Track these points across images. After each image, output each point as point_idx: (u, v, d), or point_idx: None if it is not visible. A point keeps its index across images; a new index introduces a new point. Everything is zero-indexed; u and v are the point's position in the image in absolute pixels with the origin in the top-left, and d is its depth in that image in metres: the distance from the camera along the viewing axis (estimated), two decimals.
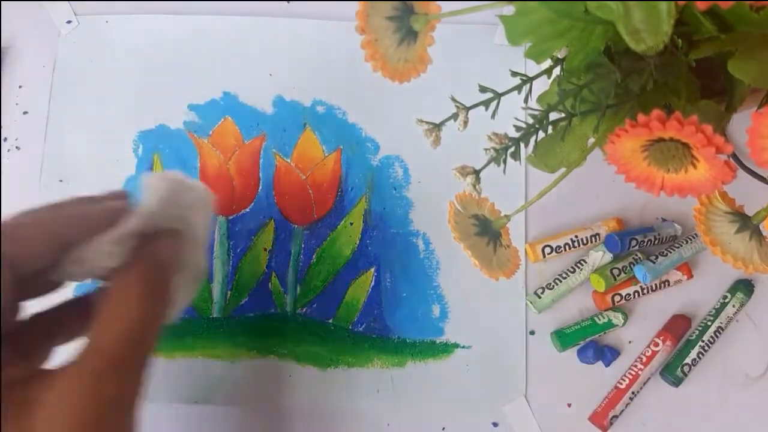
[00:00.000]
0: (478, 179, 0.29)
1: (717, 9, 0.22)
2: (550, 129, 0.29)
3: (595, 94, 0.28)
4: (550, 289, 0.42)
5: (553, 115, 0.29)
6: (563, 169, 0.33)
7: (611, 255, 0.42)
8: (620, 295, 0.42)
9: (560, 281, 0.42)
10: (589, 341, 0.42)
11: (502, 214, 0.31)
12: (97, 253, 0.28)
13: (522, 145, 0.29)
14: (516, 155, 0.28)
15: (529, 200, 0.31)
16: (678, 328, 0.43)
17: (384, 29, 0.26)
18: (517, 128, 0.28)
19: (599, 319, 0.42)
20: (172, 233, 0.31)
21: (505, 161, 0.28)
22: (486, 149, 0.28)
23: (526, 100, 0.29)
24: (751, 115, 0.23)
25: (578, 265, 0.43)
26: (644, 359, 0.42)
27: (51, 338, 0.31)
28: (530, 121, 0.29)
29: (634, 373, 0.41)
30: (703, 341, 0.42)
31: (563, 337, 0.42)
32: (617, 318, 0.42)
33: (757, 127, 0.23)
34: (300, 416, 0.42)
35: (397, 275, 0.44)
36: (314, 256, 0.44)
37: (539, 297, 0.42)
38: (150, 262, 0.29)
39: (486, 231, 0.30)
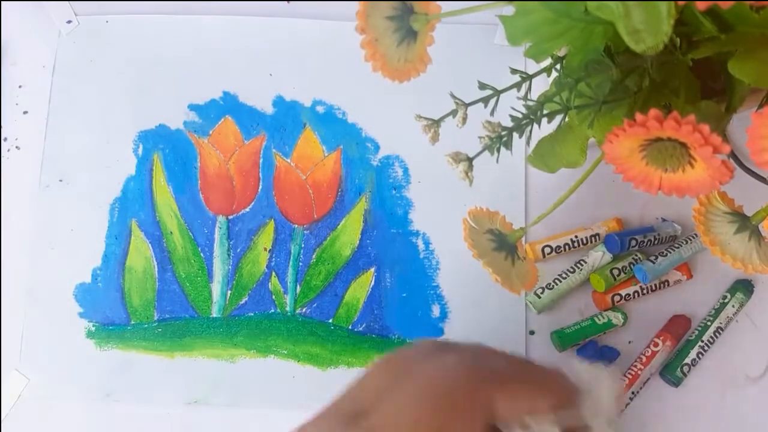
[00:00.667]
0: (470, 166, 0.29)
1: (717, 9, 0.22)
2: (544, 121, 0.29)
3: (592, 89, 0.28)
4: (550, 289, 0.42)
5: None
6: (568, 172, 0.33)
7: (611, 255, 0.42)
8: (620, 295, 0.42)
9: (560, 281, 0.42)
10: (589, 341, 0.42)
11: (515, 227, 0.31)
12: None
13: (519, 139, 0.29)
14: (509, 145, 0.28)
15: (547, 210, 0.31)
16: (678, 328, 0.43)
17: (384, 29, 0.26)
18: (513, 118, 0.28)
19: (599, 319, 0.42)
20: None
21: (498, 150, 0.28)
22: (480, 137, 0.28)
23: (525, 97, 0.29)
24: (751, 115, 0.23)
25: (578, 265, 0.43)
26: (644, 359, 0.42)
27: None
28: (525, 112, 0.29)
29: (633, 373, 0.41)
30: (702, 341, 0.42)
31: (563, 337, 0.42)
32: (617, 318, 0.42)
33: (757, 127, 0.23)
34: (300, 416, 0.42)
35: (397, 275, 0.44)
36: (314, 256, 0.44)
37: (539, 297, 0.42)
38: None
39: (502, 245, 0.30)
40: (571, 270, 0.43)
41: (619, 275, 0.42)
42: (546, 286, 0.42)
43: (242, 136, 0.45)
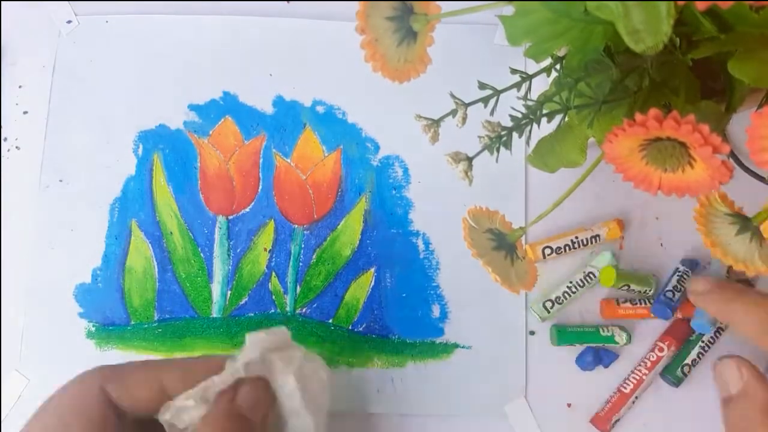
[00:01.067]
0: (470, 166, 0.29)
1: (717, 9, 0.22)
2: (544, 121, 0.29)
3: (592, 89, 0.28)
4: (560, 303, 0.42)
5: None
6: (568, 172, 0.33)
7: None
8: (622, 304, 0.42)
9: (570, 295, 0.42)
10: (586, 348, 0.42)
11: (515, 227, 0.31)
12: (180, 408, 0.30)
13: (519, 139, 0.29)
14: (508, 144, 0.28)
15: (547, 209, 0.31)
16: (681, 332, 0.42)
17: (384, 29, 0.26)
18: (512, 118, 0.28)
19: (603, 332, 0.42)
20: (255, 380, 0.31)
21: (498, 150, 0.28)
22: (480, 137, 0.28)
23: (525, 97, 0.29)
24: (750, 115, 0.23)
25: (587, 279, 0.42)
26: (649, 364, 0.41)
27: None
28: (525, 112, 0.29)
29: (638, 377, 0.41)
30: (703, 341, 0.42)
31: (562, 334, 0.42)
32: (621, 337, 0.41)
33: (757, 127, 0.23)
34: None
35: (397, 275, 0.44)
36: (314, 256, 0.44)
37: (548, 311, 0.42)
38: (228, 411, 0.30)
39: (502, 245, 0.30)
40: (581, 284, 0.42)
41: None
42: (556, 300, 0.42)
43: (242, 136, 0.45)
